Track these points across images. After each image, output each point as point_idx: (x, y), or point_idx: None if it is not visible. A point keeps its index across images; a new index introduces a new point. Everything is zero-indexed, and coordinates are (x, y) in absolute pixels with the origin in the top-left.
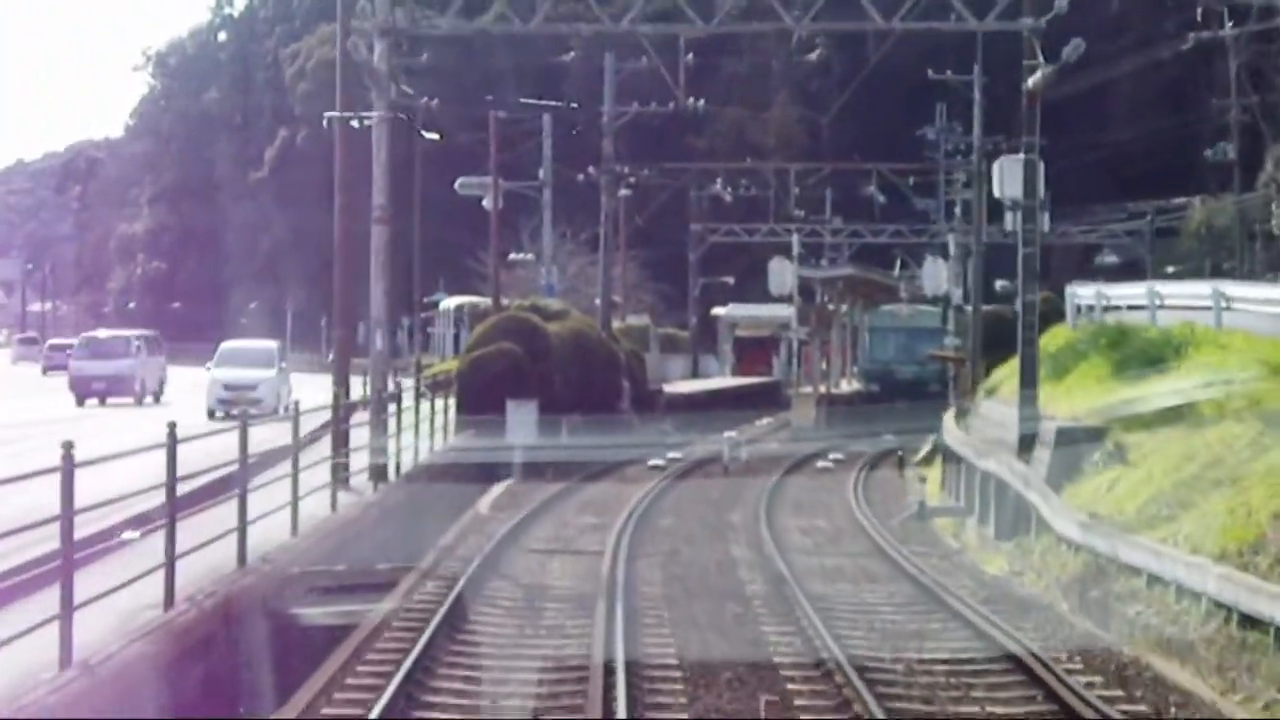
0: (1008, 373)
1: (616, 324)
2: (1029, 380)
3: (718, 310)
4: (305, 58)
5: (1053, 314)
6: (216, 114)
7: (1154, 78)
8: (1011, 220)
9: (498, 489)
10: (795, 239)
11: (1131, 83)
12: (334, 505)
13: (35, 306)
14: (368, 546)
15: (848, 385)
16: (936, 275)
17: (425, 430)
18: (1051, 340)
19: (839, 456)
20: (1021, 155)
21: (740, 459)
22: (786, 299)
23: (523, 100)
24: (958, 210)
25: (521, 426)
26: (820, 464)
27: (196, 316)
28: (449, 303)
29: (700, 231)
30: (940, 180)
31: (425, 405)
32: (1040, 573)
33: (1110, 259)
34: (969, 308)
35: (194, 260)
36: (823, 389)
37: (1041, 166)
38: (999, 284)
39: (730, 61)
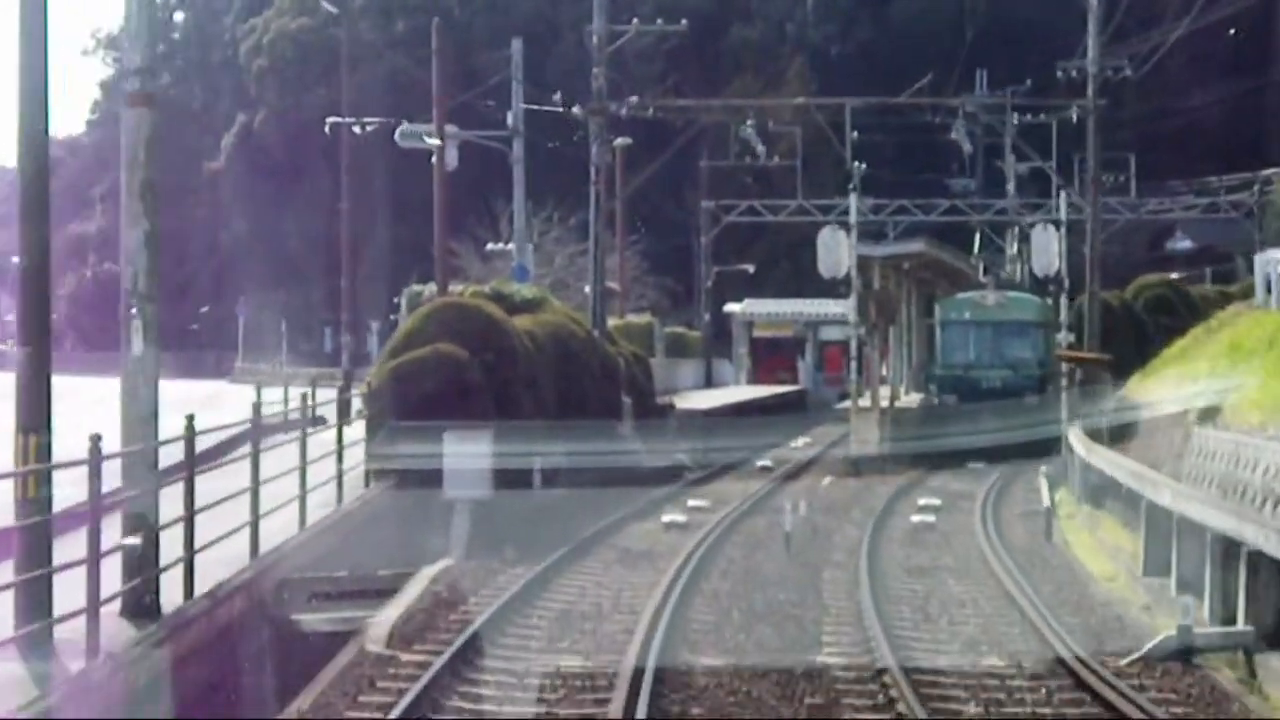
0: (1213, 380)
1: (613, 321)
2: None
3: (731, 307)
4: (263, 31)
5: (1177, 302)
6: (172, 100)
7: (1229, 35)
8: None
9: (416, 587)
10: (853, 199)
11: (1206, 41)
12: None
13: None
14: None
15: (905, 394)
16: (1047, 250)
17: (290, 489)
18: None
19: (933, 502)
20: None
21: (799, 512)
22: (841, 282)
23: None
24: (1011, 187)
25: (467, 471)
26: (915, 518)
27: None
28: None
29: (713, 210)
30: (1008, 140)
31: (320, 440)
32: None
33: (1183, 244)
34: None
35: None
36: (883, 401)
37: None
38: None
39: (740, 27)
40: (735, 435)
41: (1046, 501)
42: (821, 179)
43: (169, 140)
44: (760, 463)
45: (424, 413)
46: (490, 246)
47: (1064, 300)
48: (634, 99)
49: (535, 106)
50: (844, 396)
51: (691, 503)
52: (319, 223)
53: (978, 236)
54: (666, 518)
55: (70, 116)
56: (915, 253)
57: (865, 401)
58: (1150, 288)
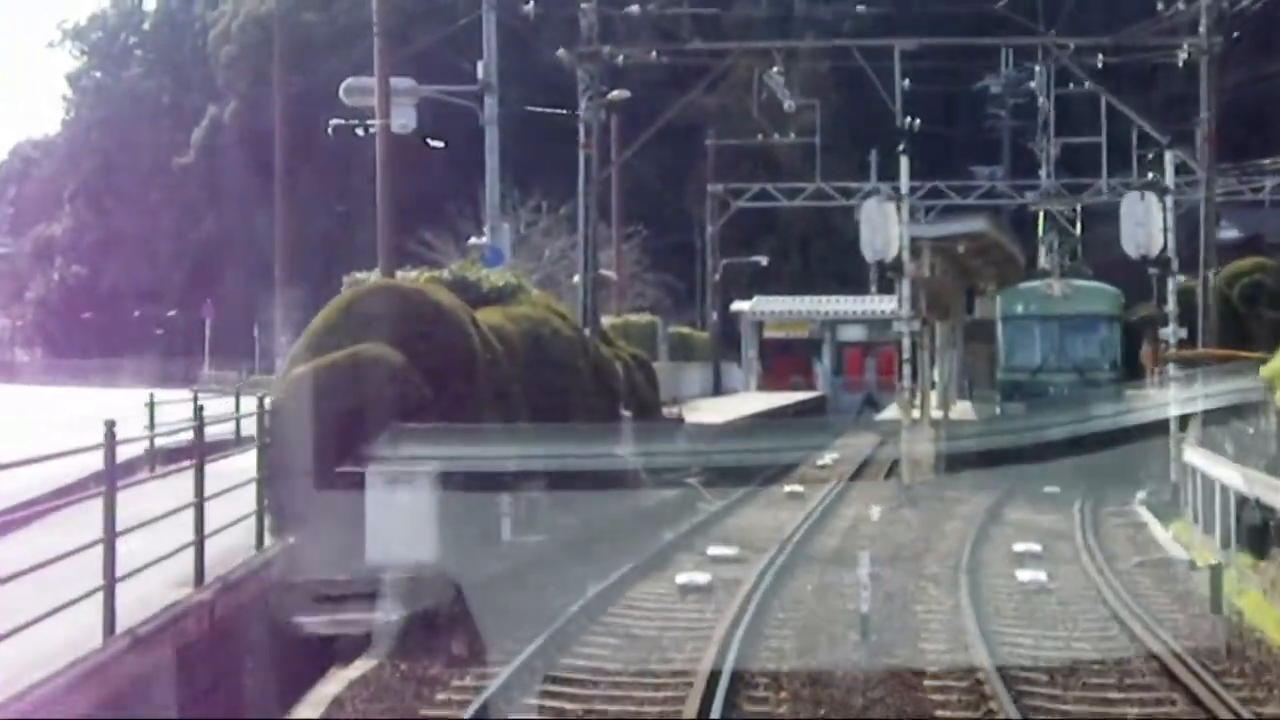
0: None
1: (609, 319)
2: None
3: (739, 305)
4: (231, 16)
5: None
6: (141, 94)
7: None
8: None
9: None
10: (904, 165)
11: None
12: None
13: None
14: None
15: (940, 403)
16: (1146, 224)
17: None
18: None
19: (1031, 548)
20: None
21: (876, 576)
22: (890, 267)
23: None
24: (1045, 171)
25: (399, 523)
26: (1023, 576)
27: (119, 329)
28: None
29: (721, 195)
30: (1050, 109)
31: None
32: None
33: (1230, 233)
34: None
35: (118, 263)
36: (934, 412)
37: None
38: None
39: (745, 4)
40: (753, 452)
41: (1175, 548)
42: (836, 164)
43: (138, 136)
44: (788, 487)
45: (341, 440)
46: (472, 240)
47: (1172, 286)
48: (635, 6)
49: (527, 108)
50: (868, 404)
51: (713, 550)
52: (296, 219)
53: (1041, 217)
54: (682, 577)
55: (46, 116)
56: (976, 233)
57: (913, 413)
58: (1246, 273)
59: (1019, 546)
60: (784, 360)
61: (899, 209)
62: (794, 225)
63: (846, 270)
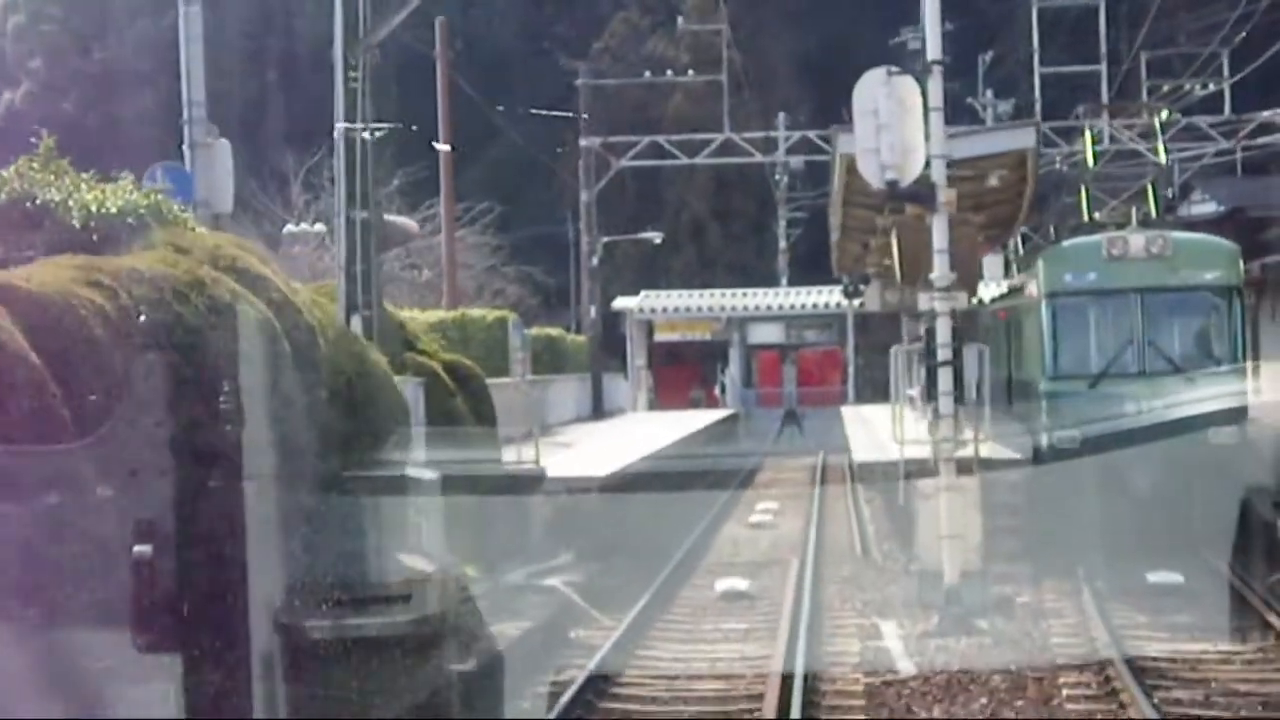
0: None
1: (430, 315)
2: None
3: (624, 301)
4: None
5: None
6: None
7: None
8: None
9: None
10: (930, 3)
11: None
12: None
13: None
14: None
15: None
16: None
17: None
18: None
19: None
20: None
21: None
22: (905, 195)
23: None
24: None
25: None
26: None
27: None
28: None
29: (598, 150)
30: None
31: None
32: None
33: (1207, 206)
34: None
35: None
36: (959, 449)
37: None
38: None
39: None
40: (646, 513)
41: None
42: (740, 123)
43: None
44: (722, 583)
45: None
46: (289, 229)
47: None
48: None
49: None
50: (789, 421)
51: None
52: None
53: (1088, 139)
54: None
55: None
56: (1019, 154)
57: (873, 445)
58: None
59: None
60: (680, 369)
61: (924, 89)
62: (686, 208)
63: (748, 261)
